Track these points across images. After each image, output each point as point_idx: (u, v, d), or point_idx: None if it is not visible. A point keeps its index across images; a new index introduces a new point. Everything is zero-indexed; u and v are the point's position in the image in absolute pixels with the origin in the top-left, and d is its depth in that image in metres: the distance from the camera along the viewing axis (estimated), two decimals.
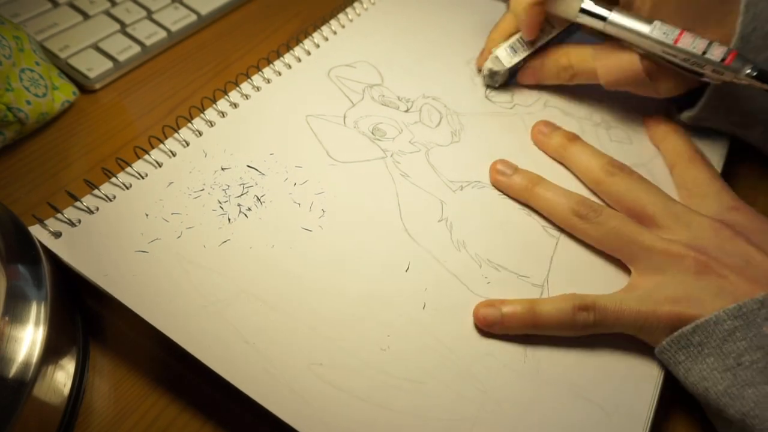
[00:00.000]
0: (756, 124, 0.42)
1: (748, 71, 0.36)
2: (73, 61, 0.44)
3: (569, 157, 0.40)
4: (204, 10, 0.50)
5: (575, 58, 0.43)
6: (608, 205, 0.37)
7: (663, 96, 0.42)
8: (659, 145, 0.42)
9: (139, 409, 0.30)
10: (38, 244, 0.30)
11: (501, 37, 0.45)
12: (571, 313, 0.31)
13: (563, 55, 0.44)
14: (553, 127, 0.42)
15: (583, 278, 0.35)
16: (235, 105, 0.40)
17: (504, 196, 0.38)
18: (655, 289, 0.32)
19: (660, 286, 0.32)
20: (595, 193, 0.39)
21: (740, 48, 0.38)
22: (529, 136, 0.42)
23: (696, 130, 0.43)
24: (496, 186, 0.38)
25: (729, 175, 0.43)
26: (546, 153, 0.41)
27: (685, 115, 0.43)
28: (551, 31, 0.44)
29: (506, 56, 0.44)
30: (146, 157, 0.36)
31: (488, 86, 0.46)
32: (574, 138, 0.40)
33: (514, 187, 0.38)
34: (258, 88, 0.42)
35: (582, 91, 0.46)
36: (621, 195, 0.37)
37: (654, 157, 0.42)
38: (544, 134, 0.41)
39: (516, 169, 0.38)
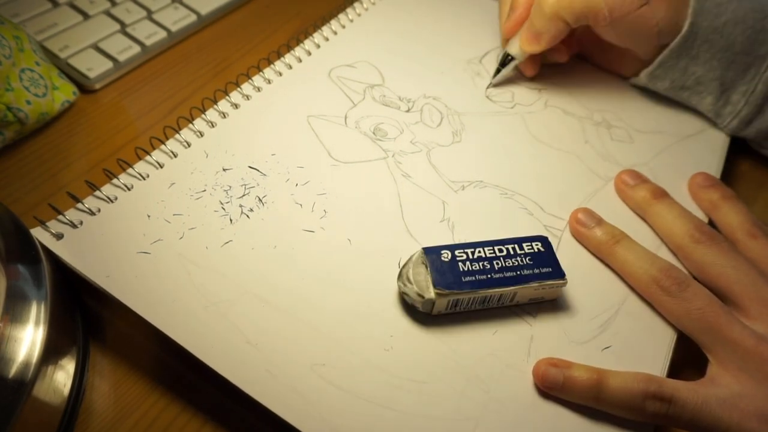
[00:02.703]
0: (706, 92, 0.43)
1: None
2: (73, 61, 0.44)
3: (653, 215, 0.37)
4: (204, 10, 0.50)
5: None
6: (689, 272, 0.35)
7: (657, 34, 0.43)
8: (710, 213, 0.38)
9: (139, 409, 0.30)
10: (38, 244, 0.30)
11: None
12: (641, 398, 0.28)
13: None
14: (640, 180, 0.39)
15: (584, 278, 0.35)
16: (236, 105, 0.40)
17: (506, 196, 0.38)
18: (742, 395, 0.29)
19: (747, 394, 0.29)
20: (676, 257, 0.36)
21: (697, 9, 0.41)
22: (530, 135, 0.42)
23: (692, 136, 0.44)
24: (575, 236, 0.36)
25: (728, 176, 0.44)
26: (627, 205, 0.39)
27: (644, 72, 0.44)
28: None
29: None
30: (147, 158, 0.36)
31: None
32: (661, 194, 0.38)
33: (592, 241, 0.35)
34: (259, 89, 0.42)
35: (583, 90, 0.46)
36: (705, 266, 0.34)
37: (655, 156, 0.42)
38: (628, 185, 0.39)
39: (599, 222, 0.36)
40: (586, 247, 0.36)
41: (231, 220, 0.34)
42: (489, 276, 0.31)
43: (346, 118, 0.41)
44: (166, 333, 0.29)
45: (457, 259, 0.31)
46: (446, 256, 0.31)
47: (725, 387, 0.29)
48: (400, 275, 0.31)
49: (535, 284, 0.31)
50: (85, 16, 0.47)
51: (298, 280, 0.32)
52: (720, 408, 0.28)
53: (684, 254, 0.35)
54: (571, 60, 0.48)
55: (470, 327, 0.32)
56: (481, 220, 0.36)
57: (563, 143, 0.42)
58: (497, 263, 0.31)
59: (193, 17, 0.49)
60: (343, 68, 0.45)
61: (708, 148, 0.43)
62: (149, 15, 0.49)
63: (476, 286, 0.30)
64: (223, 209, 0.34)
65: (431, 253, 0.31)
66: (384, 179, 0.38)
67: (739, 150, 0.45)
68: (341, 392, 0.28)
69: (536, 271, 0.32)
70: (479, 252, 0.32)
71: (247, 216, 0.34)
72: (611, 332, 0.32)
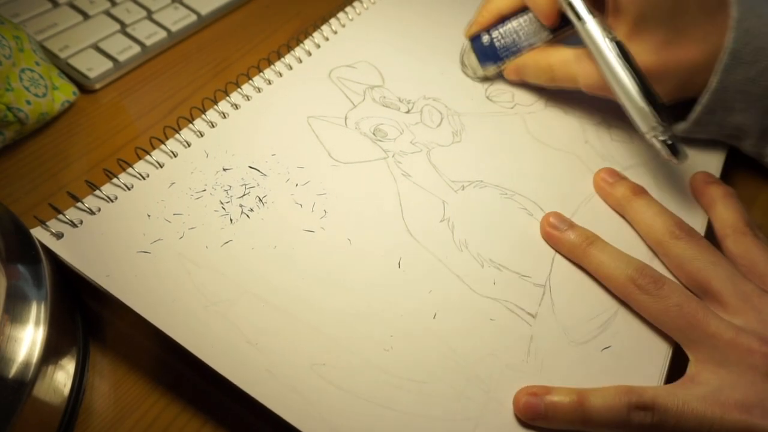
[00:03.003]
0: (746, 137, 0.41)
1: (663, 138, 0.36)
2: (73, 61, 0.44)
3: (632, 211, 0.37)
4: (204, 10, 0.50)
5: (556, 59, 0.42)
6: (667, 268, 0.35)
7: None
8: (708, 209, 0.39)
9: (139, 409, 0.30)
10: (38, 244, 0.30)
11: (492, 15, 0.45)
12: (626, 411, 0.28)
13: (544, 56, 0.43)
14: (618, 177, 0.39)
15: (585, 279, 0.35)
16: (236, 106, 0.40)
17: (506, 196, 0.38)
18: (721, 388, 0.29)
19: (727, 386, 0.29)
20: (654, 254, 0.36)
21: (729, 63, 0.38)
22: (530, 135, 0.42)
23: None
24: (547, 240, 0.36)
25: (728, 176, 0.44)
26: (607, 203, 0.39)
27: (678, 128, 0.42)
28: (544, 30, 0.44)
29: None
30: (147, 157, 0.36)
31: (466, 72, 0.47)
32: (639, 191, 0.38)
33: (566, 245, 0.35)
34: (259, 89, 0.42)
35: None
36: (683, 261, 0.33)
37: (655, 156, 0.42)
38: (607, 183, 0.39)
39: (570, 225, 0.36)
40: (559, 251, 0.36)
41: (231, 220, 0.34)
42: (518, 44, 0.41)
43: (346, 118, 0.41)
44: (166, 332, 0.29)
45: (494, 39, 0.43)
46: (485, 39, 0.44)
47: (704, 384, 0.29)
48: (462, 62, 0.46)
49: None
50: (85, 16, 0.47)
51: (298, 279, 0.32)
52: (702, 405, 0.28)
53: (663, 250, 0.35)
54: None
55: (470, 326, 0.31)
56: (481, 220, 0.36)
57: (563, 143, 0.42)
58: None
59: (193, 17, 0.49)
60: (343, 69, 0.45)
61: (709, 148, 0.43)
62: (149, 15, 0.49)
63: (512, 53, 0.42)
64: (224, 209, 0.34)
65: (475, 41, 0.44)
66: (384, 179, 0.38)
67: (739, 150, 0.45)
68: (341, 392, 0.28)
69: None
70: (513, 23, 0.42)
71: (248, 216, 0.34)
72: (611, 332, 0.32)
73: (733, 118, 0.40)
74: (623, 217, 0.38)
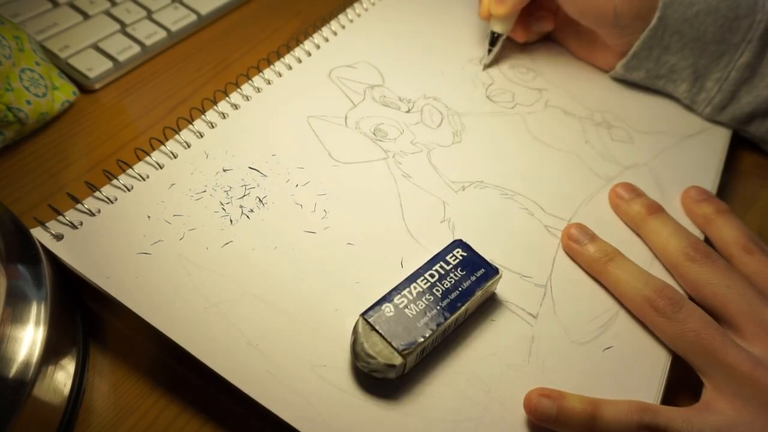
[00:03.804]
0: (681, 80, 0.44)
1: None
2: (73, 61, 0.44)
3: (647, 231, 0.36)
4: (204, 10, 0.50)
5: None
6: (684, 290, 0.34)
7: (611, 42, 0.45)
8: (704, 229, 0.38)
9: (139, 409, 0.30)
10: (38, 244, 0.30)
11: None
12: (635, 430, 0.28)
13: None
14: (635, 193, 0.38)
15: (586, 279, 0.35)
16: (236, 106, 0.40)
17: (507, 196, 0.38)
18: (737, 424, 0.28)
19: (742, 423, 0.28)
20: (670, 274, 0.35)
21: (668, 1, 0.42)
22: (530, 135, 0.42)
23: (692, 136, 0.44)
24: (567, 251, 0.36)
25: (728, 176, 0.44)
26: (621, 219, 0.38)
27: (619, 64, 0.46)
28: None
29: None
30: (147, 158, 0.36)
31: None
32: (655, 210, 0.37)
33: (585, 258, 0.35)
34: (259, 89, 0.42)
35: (583, 90, 0.46)
36: (700, 285, 0.33)
37: (656, 156, 0.42)
38: (622, 199, 0.38)
39: (591, 238, 0.35)
40: (578, 264, 0.35)
41: (231, 221, 0.34)
42: (438, 307, 0.29)
43: (346, 118, 0.41)
44: (166, 334, 0.29)
45: (401, 307, 0.29)
46: (389, 310, 0.29)
47: (720, 414, 0.29)
48: (356, 356, 0.28)
49: (479, 292, 0.30)
50: (85, 16, 0.47)
51: (299, 280, 0.32)
52: None
53: (678, 272, 0.34)
54: (571, 58, 0.48)
55: (470, 327, 0.31)
56: (482, 220, 0.36)
57: (563, 143, 0.42)
58: (437, 290, 0.30)
59: (193, 17, 0.49)
60: (343, 69, 0.45)
61: (708, 149, 0.43)
62: (149, 15, 0.48)
63: (434, 324, 0.29)
64: (224, 210, 0.34)
65: (374, 314, 0.29)
66: (384, 180, 0.38)
67: (739, 150, 0.45)
68: (342, 393, 0.28)
69: (473, 278, 0.30)
70: (415, 288, 0.30)
71: (248, 217, 0.34)
72: (612, 333, 0.32)
73: (668, 57, 0.44)
74: (638, 235, 0.37)
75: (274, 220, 0.34)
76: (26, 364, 0.25)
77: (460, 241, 0.32)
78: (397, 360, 0.27)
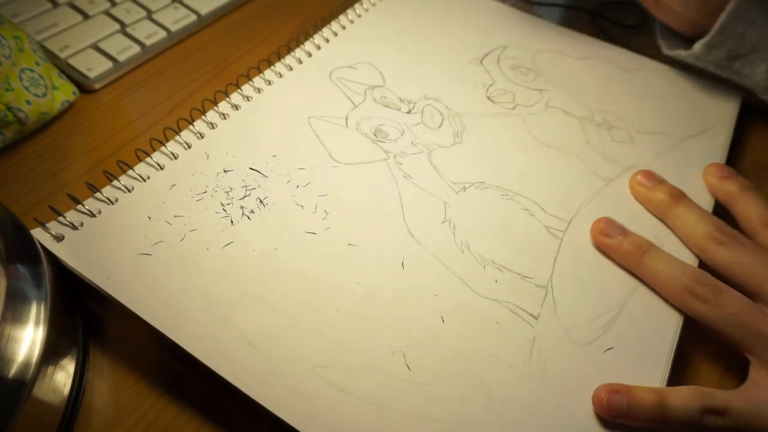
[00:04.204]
0: (762, 61, 0.43)
1: None
2: (73, 61, 0.44)
3: (672, 217, 0.37)
4: (204, 10, 0.50)
5: None
6: (715, 272, 0.34)
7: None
8: (728, 205, 0.38)
9: (138, 409, 0.30)
10: (38, 244, 0.30)
11: None
12: (700, 414, 0.28)
13: None
14: (656, 181, 0.38)
15: (587, 280, 0.35)
16: (236, 107, 0.40)
17: (508, 197, 0.38)
18: None
19: None
20: (699, 259, 0.36)
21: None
22: (531, 136, 0.42)
23: (693, 137, 0.44)
24: (597, 246, 0.36)
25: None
26: (645, 207, 0.38)
27: (699, 43, 0.44)
28: None
29: None
30: (147, 159, 0.36)
31: None
32: (679, 196, 0.37)
33: (618, 253, 0.35)
34: (259, 90, 0.42)
35: (584, 91, 0.46)
36: (730, 266, 0.33)
37: (657, 157, 0.42)
38: (645, 186, 0.38)
39: (623, 232, 0.35)
40: (611, 258, 0.35)
41: (232, 222, 0.34)
42: None
43: (346, 119, 0.41)
44: (166, 335, 0.29)
45: None
46: None
47: None
48: None
49: None
50: (85, 16, 0.47)
51: (300, 281, 0.32)
52: None
53: (707, 256, 0.35)
54: (571, 59, 0.48)
55: (472, 328, 0.31)
56: (483, 221, 0.36)
57: (564, 144, 0.42)
58: None
59: (193, 17, 0.49)
60: (343, 69, 0.45)
61: (709, 149, 0.43)
62: (149, 15, 0.48)
63: None
64: (224, 211, 0.34)
65: None
66: (385, 180, 0.37)
67: (739, 150, 0.46)
68: (343, 394, 0.28)
69: None
70: None
71: (248, 217, 0.34)
72: (613, 333, 0.32)
73: (752, 34, 0.42)
74: (663, 222, 0.37)
75: (274, 221, 0.34)
76: (26, 364, 0.25)
77: None
78: None
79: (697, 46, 0.45)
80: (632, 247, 0.35)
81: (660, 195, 0.38)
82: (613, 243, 0.35)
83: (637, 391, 0.29)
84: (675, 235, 0.37)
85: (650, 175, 0.39)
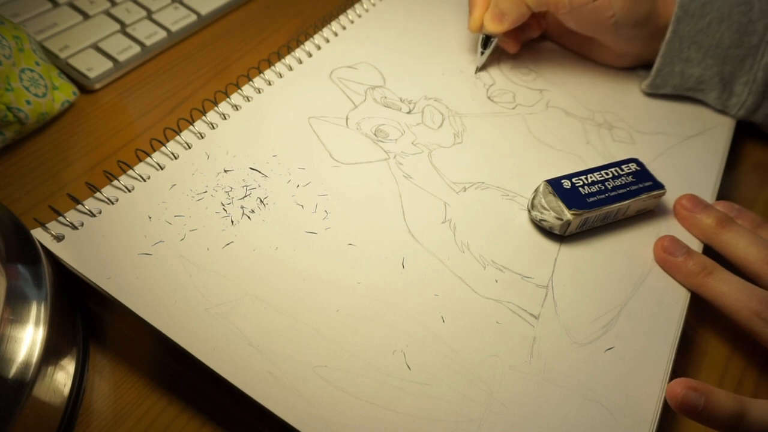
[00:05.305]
0: (710, 89, 0.45)
1: None
2: (73, 61, 0.44)
3: (723, 243, 0.36)
4: (204, 10, 0.50)
5: None
6: None
7: (617, 50, 0.46)
8: (713, 245, 0.37)
9: (139, 409, 0.30)
10: (38, 244, 0.30)
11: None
12: None
13: None
14: (702, 206, 0.38)
15: (588, 280, 0.35)
16: (236, 107, 0.40)
17: (508, 197, 0.38)
18: None
19: None
20: (755, 283, 0.35)
21: (680, 15, 0.43)
22: (531, 136, 0.42)
23: (693, 137, 0.44)
24: (661, 264, 0.36)
25: (728, 177, 0.44)
26: (690, 233, 0.38)
27: (644, 84, 0.46)
28: None
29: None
30: (148, 159, 0.36)
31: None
32: (726, 223, 0.37)
33: (682, 271, 0.35)
34: (259, 90, 0.42)
35: (584, 91, 0.46)
36: None
37: (657, 157, 0.42)
38: (689, 211, 0.38)
39: (687, 252, 0.35)
40: (672, 276, 0.35)
41: (232, 222, 0.34)
42: (607, 195, 0.36)
43: (347, 119, 0.41)
44: (167, 335, 0.29)
45: (576, 185, 0.36)
46: (567, 184, 0.36)
47: None
48: (532, 206, 0.36)
49: (644, 196, 0.36)
50: (85, 16, 0.47)
51: (300, 281, 0.32)
52: None
53: (764, 282, 0.34)
54: (572, 59, 0.48)
55: (472, 328, 0.31)
56: (483, 221, 0.36)
57: (565, 144, 0.42)
58: (609, 184, 0.36)
59: (193, 17, 0.49)
60: (344, 69, 0.45)
61: (709, 149, 0.43)
62: (149, 15, 0.48)
63: (600, 204, 0.35)
64: (225, 210, 0.34)
65: (555, 184, 0.36)
66: (385, 180, 0.37)
67: (740, 151, 0.46)
68: (343, 394, 0.28)
69: (641, 185, 0.37)
70: (591, 177, 0.37)
71: (249, 217, 0.34)
72: (614, 334, 0.32)
73: (692, 70, 0.45)
74: (711, 246, 0.37)
75: (275, 221, 0.34)
76: (26, 365, 0.25)
77: (637, 159, 0.38)
78: (567, 216, 0.35)
79: (644, 86, 0.47)
80: (697, 267, 0.34)
81: (707, 221, 0.37)
82: (677, 261, 0.35)
83: (717, 395, 0.29)
84: (726, 260, 0.36)
85: (695, 200, 0.38)
